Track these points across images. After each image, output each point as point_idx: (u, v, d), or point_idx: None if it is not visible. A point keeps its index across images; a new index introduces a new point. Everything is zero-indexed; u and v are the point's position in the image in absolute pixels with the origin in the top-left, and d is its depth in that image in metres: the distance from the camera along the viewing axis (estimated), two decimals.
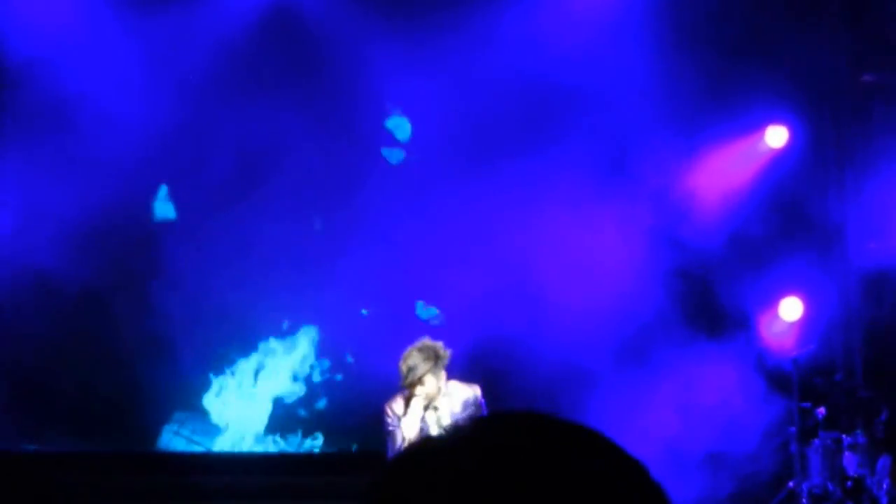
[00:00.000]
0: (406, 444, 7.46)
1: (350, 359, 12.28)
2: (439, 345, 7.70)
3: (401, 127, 12.66)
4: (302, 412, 12.15)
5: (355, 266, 12.19)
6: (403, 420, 7.60)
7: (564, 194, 12.08)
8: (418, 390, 7.54)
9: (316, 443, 12.10)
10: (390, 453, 7.66)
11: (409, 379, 7.52)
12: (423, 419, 7.66)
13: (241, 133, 12.21)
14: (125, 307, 11.77)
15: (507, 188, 12.26)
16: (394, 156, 12.68)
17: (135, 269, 11.92)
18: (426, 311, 12.16)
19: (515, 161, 12.32)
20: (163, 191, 12.15)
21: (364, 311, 12.25)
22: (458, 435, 1.32)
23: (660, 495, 1.32)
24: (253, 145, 12.24)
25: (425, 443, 1.35)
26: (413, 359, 7.57)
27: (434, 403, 7.67)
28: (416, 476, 1.29)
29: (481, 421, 1.35)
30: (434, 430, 7.66)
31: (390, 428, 7.68)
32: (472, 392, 7.77)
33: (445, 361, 7.64)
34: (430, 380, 7.53)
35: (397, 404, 7.71)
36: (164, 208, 12.15)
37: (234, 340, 12.12)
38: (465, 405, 7.70)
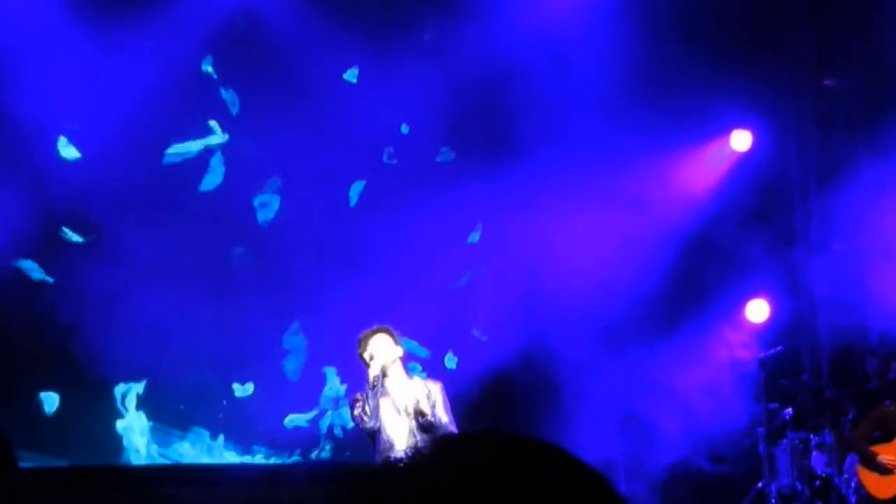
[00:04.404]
0: (367, 403, 7.99)
1: None
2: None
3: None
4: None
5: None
6: (368, 373, 8.07)
7: (531, 199, 12.17)
8: (369, 353, 8.10)
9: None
10: (362, 418, 8.05)
11: (360, 346, 8.19)
12: (384, 389, 8.05)
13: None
14: (92, 319, 11.71)
15: (475, 195, 12.36)
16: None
17: (91, 276, 11.87)
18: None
19: (481, 168, 12.42)
20: None
21: None
22: (420, 456, 1.33)
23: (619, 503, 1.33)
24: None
25: (389, 465, 1.35)
26: (363, 332, 8.29)
27: (396, 378, 8.13)
28: (380, 496, 1.30)
29: (442, 442, 1.36)
30: (394, 409, 8.05)
31: (357, 403, 8.13)
32: (433, 385, 8.25)
33: (397, 336, 8.30)
34: (380, 341, 8.13)
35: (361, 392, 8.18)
36: None
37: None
38: (427, 395, 8.09)
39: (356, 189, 12.66)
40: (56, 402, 11.80)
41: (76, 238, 11.96)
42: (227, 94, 12.50)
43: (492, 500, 1.25)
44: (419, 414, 7.95)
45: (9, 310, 11.67)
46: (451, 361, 12.38)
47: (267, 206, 12.58)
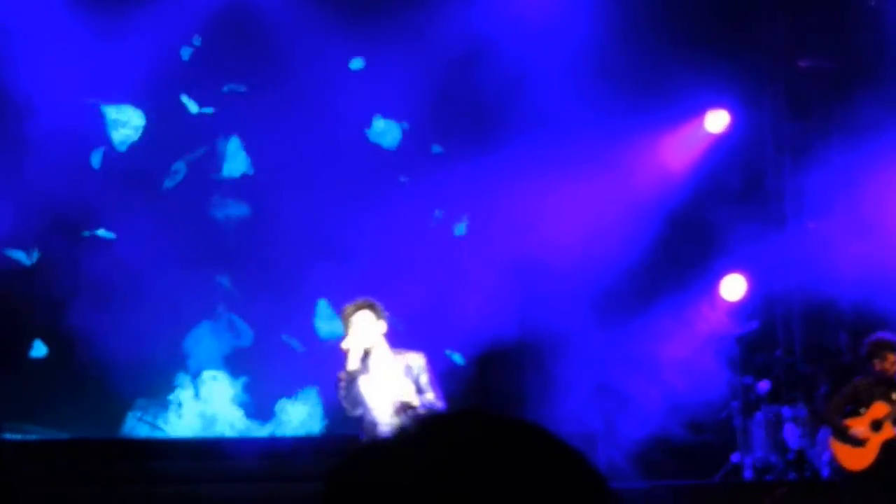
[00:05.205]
0: (348, 380, 7.95)
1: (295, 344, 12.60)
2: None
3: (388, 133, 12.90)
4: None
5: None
6: (348, 363, 7.99)
7: (512, 180, 12.38)
8: (353, 329, 7.98)
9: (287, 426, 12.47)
10: (344, 404, 8.05)
11: (343, 322, 8.06)
12: (367, 366, 8.01)
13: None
14: (89, 295, 11.89)
15: (459, 177, 12.59)
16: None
17: (91, 257, 12.05)
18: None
19: (464, 150, 12.63)
20: None
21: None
22: (403, 435, 1.36)
23: (599, 483, 1.35)
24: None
25: (373, 445, 1.38)
26: (346, 307, 8.14)
27: (380, 354, 8.05)
28: (364, 475, 1.33)
29: (425, 421, 1.38)
30: (379, 386, 8.02)
31: (341, 385, 8.06)
32: (416, 357, 8.15)
33: (381, 310, 8.08)
34: (362, 319, 7.99)
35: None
36: None
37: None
38: (408, 369, 8.06)
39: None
40: (44, 350, 12.00)
41: (105, 234, 12.19)
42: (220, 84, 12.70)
43: (474, 480, 1.27)
44: (407, 407, 7.87)
45: (10, 290, 11.87)
46: (457, 357, 12.62)
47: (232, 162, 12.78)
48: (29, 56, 11.97)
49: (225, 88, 12.70)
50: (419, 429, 1.35)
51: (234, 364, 12.59)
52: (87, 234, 12.17)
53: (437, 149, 13.04)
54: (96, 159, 12.36)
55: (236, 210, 12.80)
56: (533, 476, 1.29)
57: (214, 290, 12.54)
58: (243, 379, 12.56)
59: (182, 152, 12.67)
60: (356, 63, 12.91)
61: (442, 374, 8.89)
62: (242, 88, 12.65)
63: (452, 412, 1.39)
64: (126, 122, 12.47)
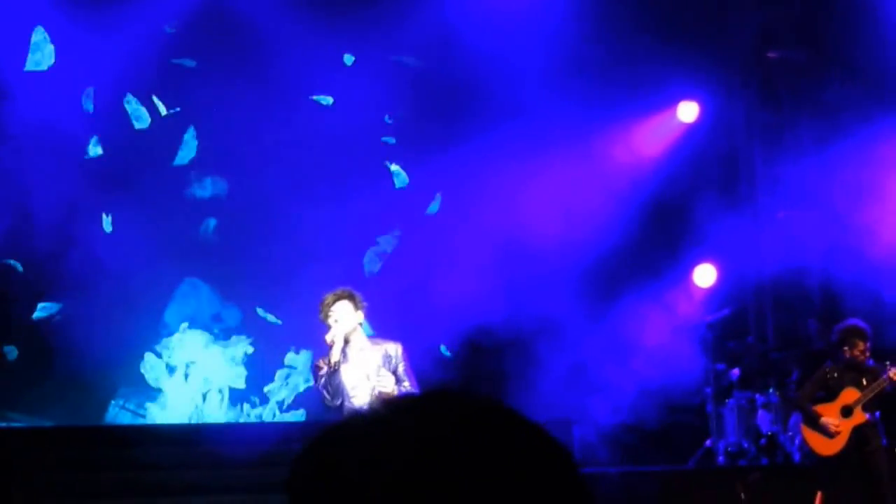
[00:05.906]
0: (330, 371, 8.02)
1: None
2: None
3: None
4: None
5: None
6: (331, 354, 8.06)
7: (487, 171, 12.51)
8: (332, 319, 8.08)
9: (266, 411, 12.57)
10: (324, 393, 8.10)
11: (322, 311, 8.13)
12: (346, 355, 8.10)
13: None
14: (69, 285, 11.96)
15: (437, 167, 12.71)
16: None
17: (71, 247, 12.10)
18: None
19: (441, 142, 12.74)
20: None
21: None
22: (372, 416, 1.35)
23: (569, 462, 1.35)
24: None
25: (342, 426, 1.38)
26: (326, 297, 8.21)
27: (358, 343, 8.15)
28: (333, 457, 1.33)
29: (394, 401, 1.38)
30: (358, 375, 8.09)
31: (320, 374, 8.14)
32: (394, 347, 8.24)
33: (359, 300, 8.19)
34: (342, 308, 8.09)
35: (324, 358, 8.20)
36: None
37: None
38: (387, 358, 8.16)
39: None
40: (15, 353, 12.07)
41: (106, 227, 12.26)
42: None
43: (442, 459, 1.28)
44: (387, 396, 7.74)
45: None
46: (445, 351, 12.74)
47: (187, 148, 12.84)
48: (6, 45, 12.00)
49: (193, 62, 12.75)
50: (387, 410, 1.35)
51: (218, 347, 12.70)
52: (68, 226, 12.20)
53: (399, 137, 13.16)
54: (93, 149, 12.42)
55: (213, 191, 12.88)
56: (502, 456, 1.29)
57: (195, 274, 12.61)
58: (229, 363, 12.66)
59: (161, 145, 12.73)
60: (348, 59, 12.99)
61: (428, 363, 8.99)
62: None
63: (421, 392, 1.40)
64: (38, 45, 12.43)
